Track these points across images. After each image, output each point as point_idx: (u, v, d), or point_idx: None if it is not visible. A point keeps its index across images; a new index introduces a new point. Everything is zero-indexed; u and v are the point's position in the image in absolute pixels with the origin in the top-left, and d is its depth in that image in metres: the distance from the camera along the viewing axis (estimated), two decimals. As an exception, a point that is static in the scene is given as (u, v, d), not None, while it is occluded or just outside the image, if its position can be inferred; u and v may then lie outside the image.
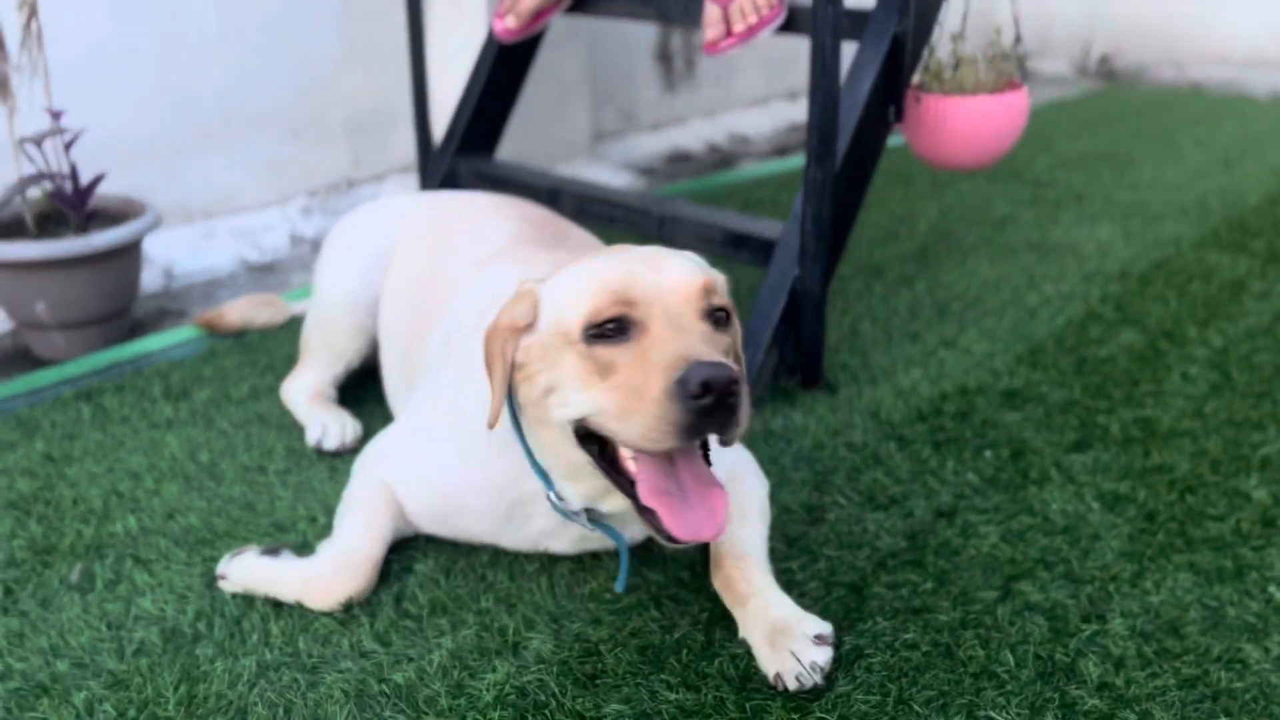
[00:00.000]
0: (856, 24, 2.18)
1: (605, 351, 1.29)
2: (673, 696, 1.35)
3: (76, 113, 2.57)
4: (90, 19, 2.84)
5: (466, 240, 1.93)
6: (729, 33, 2.23)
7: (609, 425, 1.28)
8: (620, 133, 4.41)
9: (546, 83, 3.72)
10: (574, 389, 1.31)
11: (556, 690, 1.36)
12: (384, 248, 2.03)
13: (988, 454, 1.92)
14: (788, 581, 1.56)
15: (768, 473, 1.72)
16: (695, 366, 1.20)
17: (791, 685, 1.34)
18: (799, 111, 5.08)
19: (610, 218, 2.45)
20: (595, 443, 1.34)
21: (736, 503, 1.59)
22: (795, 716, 1.32)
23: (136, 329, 2.65)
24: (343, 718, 1.32)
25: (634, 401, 1.24)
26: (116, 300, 2.50)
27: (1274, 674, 1.38)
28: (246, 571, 1.56)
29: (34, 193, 2.46)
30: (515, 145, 3.68)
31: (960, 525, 1.71)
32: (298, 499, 1.80)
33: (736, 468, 1.66)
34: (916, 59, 2.20)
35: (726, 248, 2.24)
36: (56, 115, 2.38)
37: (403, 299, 1.95)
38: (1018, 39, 2.31)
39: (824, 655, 1.36)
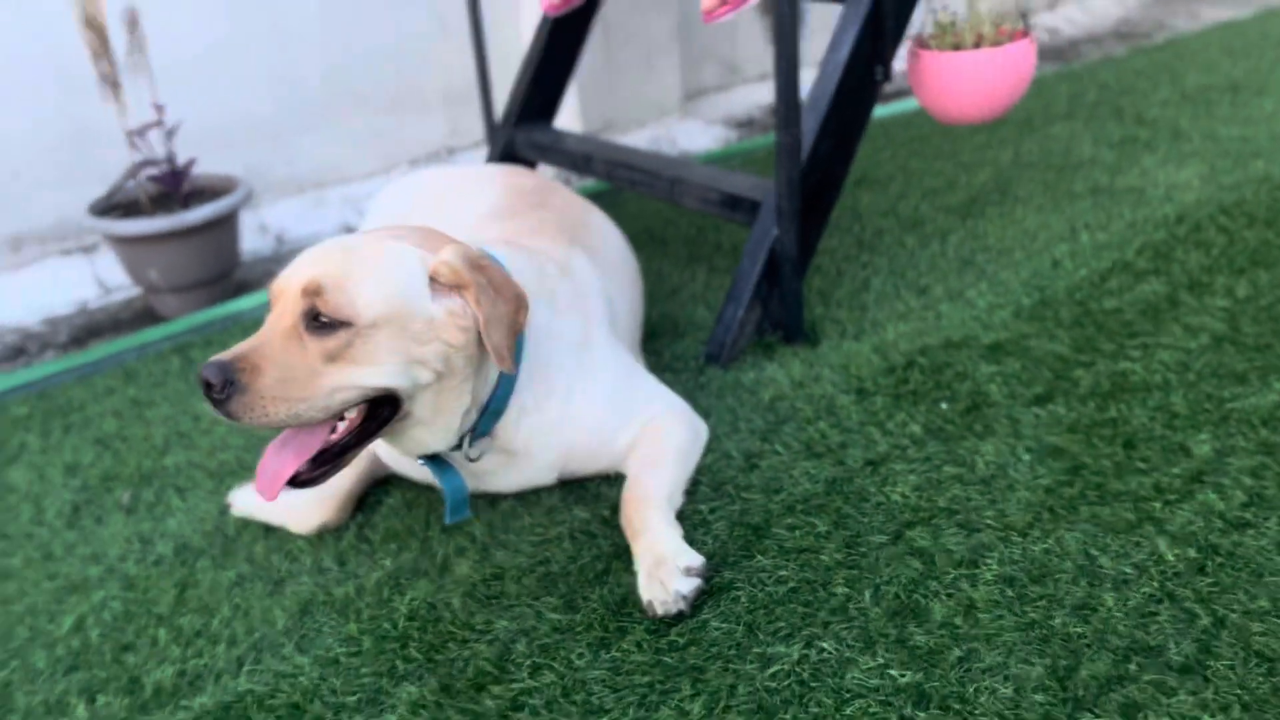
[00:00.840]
0: (846, -15, 2.23)
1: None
2: (553, 616, 1.54)
3: (197, 102, 2.98)
4: (208, 20, 3.23)
5: (454, 210, 2.16)
6: (724, 3, 2.32)
7: None
8: (723, 86, 4.50)
9: (633, 45, 3.87)
10: None
11: (459, 608, 1.58)
12: (396, 216, 2.29)
13: (944, 406, 1.98)
14: (699, 521, 1.72)
15: (724, 422, 1.87)
16: (205, 365, 1.43)
17: (659, 611, 1.51)
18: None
19: (632, 181, 2.60)
20: None
21: (648, 450, 1.76)
22: (651, 637, 1.48)
23: (241, 289, 3.04)
24: (284, 621, 1.60)
25: None
26: (217, 265, 2.88)
27: (1122, 622, 1.42)
28: (248, 500, 1.86)
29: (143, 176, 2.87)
30: (603, 108, 3.88)
31: (883, 474, 1.79)
32: (313, 440, 2.10)
33: (657, 418, 1.83)
34: (903, 19, 2.22)
35: (723, 209, 2.35)
36: (159, 109, 2.77)
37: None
38: (1018, -11, 2.28)
39: (689, 585, 1.52)
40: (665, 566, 1.54)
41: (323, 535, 1.80)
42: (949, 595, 1.51)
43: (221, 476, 2.01)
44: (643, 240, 2.93)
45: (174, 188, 2.78)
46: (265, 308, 2.76)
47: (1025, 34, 2.27)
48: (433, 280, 1.51)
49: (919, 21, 2.41)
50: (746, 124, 4.38)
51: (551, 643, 1.49)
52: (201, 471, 2.04)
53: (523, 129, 3.00)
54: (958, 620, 1.46)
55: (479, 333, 1.53)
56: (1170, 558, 1.53)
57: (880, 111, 3.97)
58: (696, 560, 1.55)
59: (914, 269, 2.56)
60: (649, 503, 1.66)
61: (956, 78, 2.25)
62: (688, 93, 4.24)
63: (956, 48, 2.30)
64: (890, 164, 3.35)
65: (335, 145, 3.57)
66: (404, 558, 1.72)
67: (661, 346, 2.32)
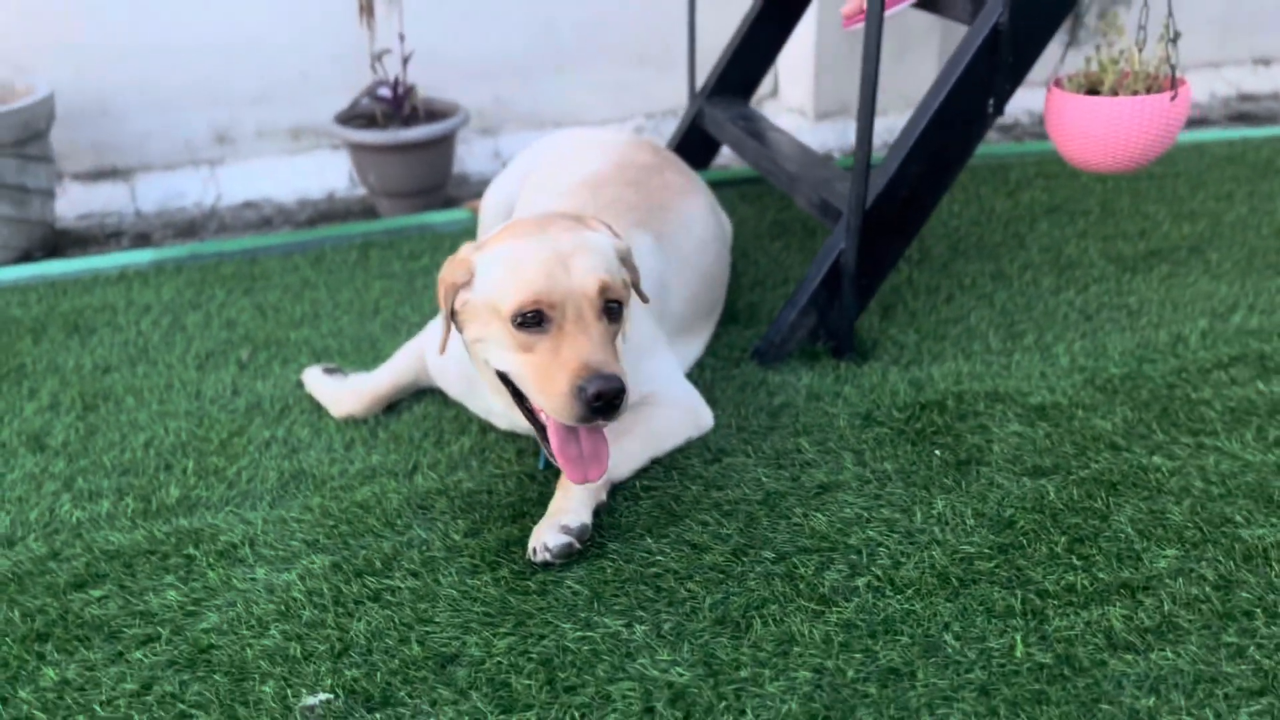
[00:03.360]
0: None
1: (527, 337, 1.67)
2: (454, 536, 1.76)
3: (458, 34, 3.40)
4: (477, -40, 3.62)
5: (561, 172, 2.37)
6: (862, 10, 2.32)
7: (528, 389, 1.69)
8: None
9: (888, 35, 3.81)
10: (500, 349, 1.72)
11: (393, 508, 1.84)
12: (525, 170, 2.54)
13: (937, 453, 1.94)
14: (633, 494, 1.86)
15: (724, 414, 2.01)
16: (593, 378, 1.57)
17: (533, 556, 1.69)
18: (1259, 80, 4.47)
19: (768, 171, 2.67)
20: (513, 388, 1.75)
21: (624, 424, 1.91)
22: (514, 577, 1.66)
23: (450, 204, 3.45)
24: (274, 480, 1.94)
25: (547, 384, 1.64)
26: (427, 179, 3.30)
27: (922, 699, 1.41)
28: (310, 379, 2.23)
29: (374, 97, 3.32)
30: (840, 92, 3.90)
31: (822, 501, 1.82)
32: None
33: (653, 396, 1.97)
34: (1026, 54, 2.11)
35: (820, 212, 2.38)
36: (402, 38, 3.19)
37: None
38: (1173, 34, 2.08)
39: (557, 541, 1.68)
40: (551, 520, 1.71)
41: (349, 422, 2.12)
42: (778, 623, 1.55)
43: (317, 356, 2.40)
44: (770, 229, 2.98)
45: (396, 107, 3.21)
46: (456, 223, 3.13)
47: (1173, 86, 2.08)
48: None
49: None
50: (1010, 126, 4.18)
51: (436, 556, 1.72)
52: (309, 349, 2.44)
53: (712, 102, 3.13)
54: (768, 647, 1.51)
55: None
56: (1019, 655, 1.48)
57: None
58: (575, 522, 1.70)
59: (1025, 312, 2.44)
60: (587, 469, 1.82)
61: (1080, 121, 2.12)
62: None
63: (1094, 91, 2.16)
64: (1097, 196, 3.11)
65: (578, 90, 3.86)
66: (390, 458, 2.00)
67: (727, 332, 2.41)
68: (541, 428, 1.71)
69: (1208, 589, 1.58)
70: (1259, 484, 1.81)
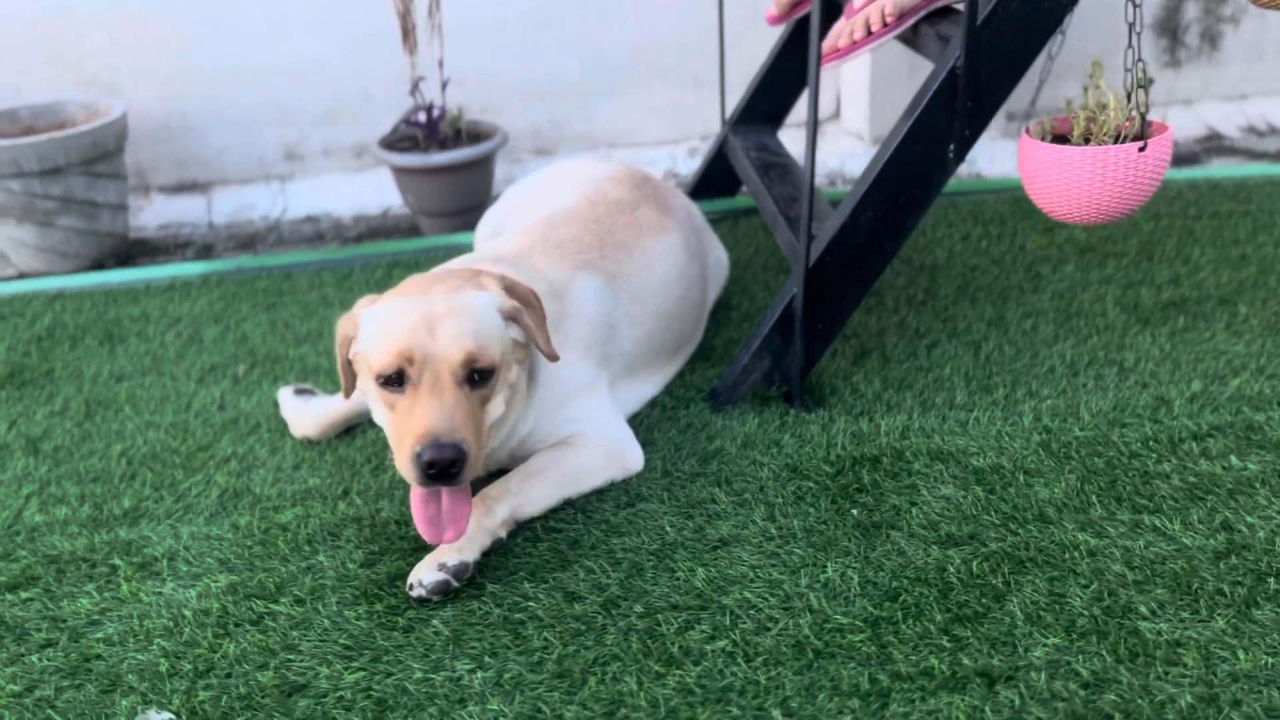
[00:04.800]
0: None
1: (388, 395, 1.74)
2: (351, 565, 1.83)
3: (513, 59, 3.49)
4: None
5: (536, 205, 2.42)
6: (837, 48, 2.26)
7: (391, 445, 1.76)
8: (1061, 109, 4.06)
9: (901, 61, 3.68)
10: (374, 403, 1.81)
11: (308, 533, 1.92)
12: (514, 203, 2.59)
13: (854, 512, 1.88)
14: (534, 533, 1.88)
15: (656, 455, 2.04)
16: (429, 446, 1.62)
17: (410, 590, 1.74)
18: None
19: (761, 205, 2.63)
20: None
21: (540, 463, 1.95)
22: (388, 611, 1.71)
23: (489, 225, 3.54)
24: (215, 497, 2.05)
25: (398, 445, 1.71)
26: (463, 199, 3.40)
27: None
28: (282, 399, 2.35)
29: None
30: (893, 119, 3.77)
31: (716, 555, 1.79)
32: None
33: (576, 437, 2.00)
34: (987, 100, 2.01)
35: (790, 255, 2.33)
36: (440, 64, 3.30)
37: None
38: (1145, 79, 1.94)
39: (431, 578, 1.72)
40: (434, 556, 1.76)
41: (305, 444, 2.23)
42: (614, 681, 1.55)
43: (308, 374, 2.52)
44: (781, 263, 2.92)
45: (431, 131, 3.32)
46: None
47: (1142, 135, 1.94)
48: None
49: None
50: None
51: (325, 584, 1.79)
52: (301, 367, 2.57)
53: (737, 131, 3.10)
54: (595, 706, 1.51)
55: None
56: (841, 740, 1.43)
57: (1187, 174, 3.39)
58: (454, 561, 1.74)
59: (1008, 363, 2.32)
60: (485, 502, 1.86)
61: (1045, 170, 2.01)
62: (1010, 111, 3.91)
63: (1062, 139, 2.04)
64: (1141, 236, 2.91)
65: (631, 112, 3.89)
66: (326, 481, 2.09)
67: (692, 369, 2.39)
68: None
69: (1073, 685, 1.48)
70: (1185, 572, 1.67)
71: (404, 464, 1.66)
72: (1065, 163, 1.96)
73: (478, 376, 1.73)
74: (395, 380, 1.70)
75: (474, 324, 1.74)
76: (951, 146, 2.06)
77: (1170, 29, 4.01)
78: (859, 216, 2.10)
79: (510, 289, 1.85)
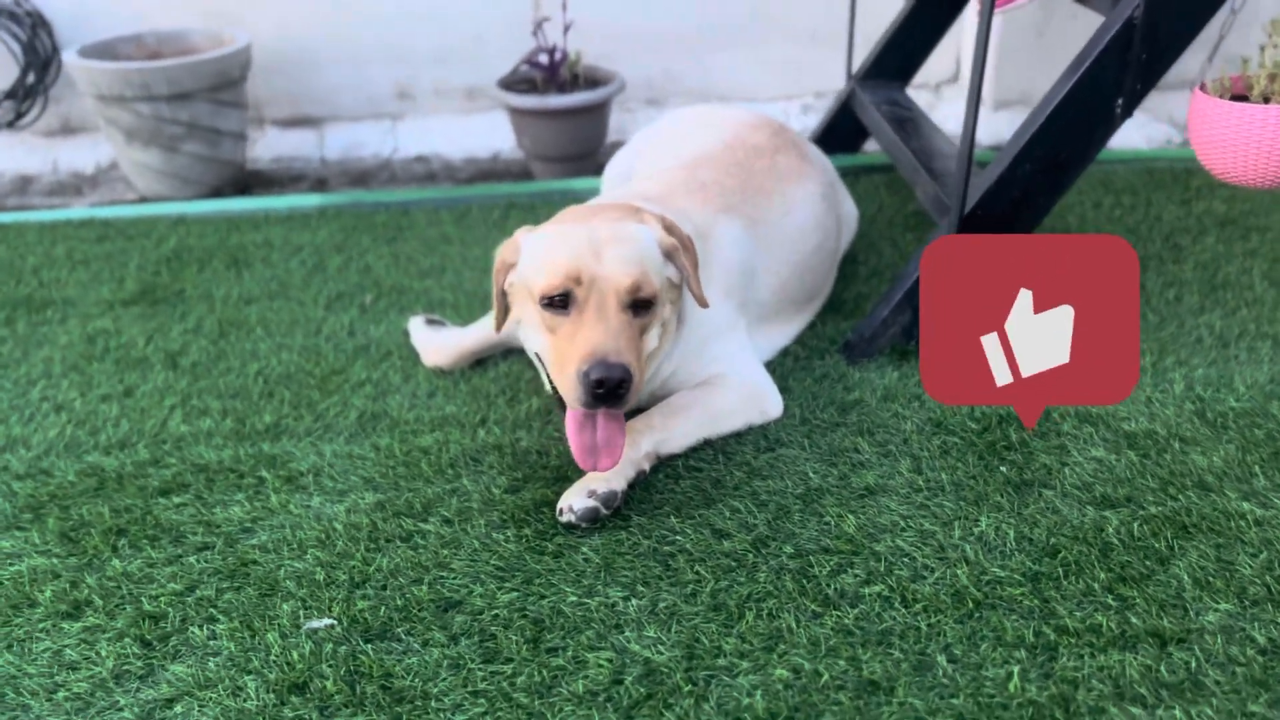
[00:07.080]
0: None
1: (551, 317, 1.73)
2: (495, 490, 1.83)
3: (631, 9, 3.45)
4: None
5: (672, 148, 2.39)
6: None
7: (550, 369, 1.76)
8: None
9: (1081, 20, 3.57)
10: (532, 329, 1.80)
11: (450, 457, 1.93)
12: (644, 145, 2.57)
13: (1003, 470, 1.85)
14: (676, 472, 1.87)
15: (795, 404, 2.01)
16: (596, 365, 1.61)
17: (559, 516, 1.74)
18: None
19: (898, 159, 2.58)
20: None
21: (684, 400, 1.94)
22: (536, 536, 1.72)
23: (600, 170, 3.52)
24: (354, 418, 2.07)
25: (560, 366, 1.70)
26: (578, 145, 3.38)
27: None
28: (412, 328, 2.36)
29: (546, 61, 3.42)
30: (1021, 80, 3.72)
31: (864, 504, 1.77)
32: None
33: (717, 378, 1.99)
34: (1162, 54, 1.94)
35: (934, 208, 2.28)
36: (564, 7, 3.28)
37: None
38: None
39: (581, 504, 1.72)
40: (583, 484, 1.76)
41: (437, 372, 2.24)
42: (772, 618, 1.54)
43: (432, 306, 2.53)
44: (907, 220, 2.87)
45: (551, 74, 3.30)
46: (597, 190, 3.21)
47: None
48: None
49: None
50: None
51: (472, 507, 1.80)
52: (426, 299, 2.57)
53: (864, 85, 3.04)
54: (754, 640, 1.50)
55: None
56: (1012, 688, 1.40)
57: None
58: (603, 488, 1.74)
59: (1154, 331, 2.26)
60: (630, 434, 1.85)
61: (1220, 129, 1.94)
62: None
63: (1241, 97, 1.97)
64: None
65: (747, 66, 3.84)
66: (462, 409, 2.10)
67: (824, 321, 2.36)
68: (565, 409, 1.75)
69: (1250, 651, 1.44)
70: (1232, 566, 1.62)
71: (568, 384, 1.65)
72: (1246, 121, 1.89)
73: (640, 305, 1.71)
74: (560, 303, 1.70)
75: (639, 252, 1.73)
76: (1120, 100, 1.99)
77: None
78: (1016, 170, 2.04)
79: (670, 229, 1.83)
